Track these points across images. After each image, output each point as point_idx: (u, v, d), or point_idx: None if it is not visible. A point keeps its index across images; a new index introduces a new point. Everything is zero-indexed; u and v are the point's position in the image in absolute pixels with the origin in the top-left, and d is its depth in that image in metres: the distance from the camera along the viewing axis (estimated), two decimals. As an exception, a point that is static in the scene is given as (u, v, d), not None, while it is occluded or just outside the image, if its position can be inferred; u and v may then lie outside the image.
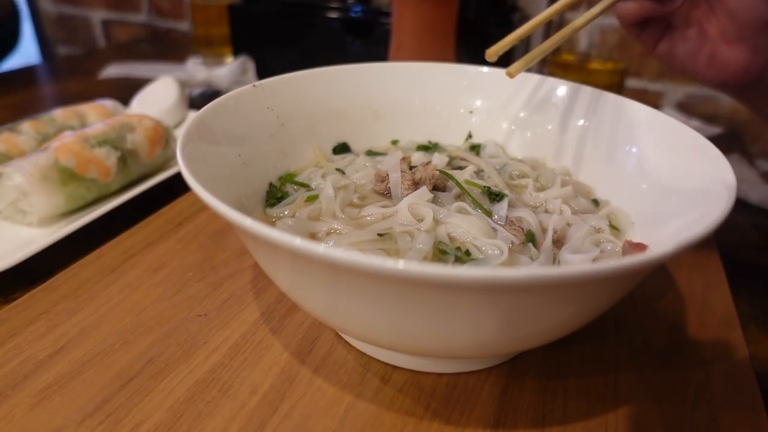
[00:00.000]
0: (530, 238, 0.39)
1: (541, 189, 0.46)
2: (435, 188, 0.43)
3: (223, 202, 0.28)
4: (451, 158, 0.48)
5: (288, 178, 0.46)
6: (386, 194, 0.43)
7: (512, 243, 0.38)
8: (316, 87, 0.50)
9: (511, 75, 0.44)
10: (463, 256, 0.36)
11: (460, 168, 0.46)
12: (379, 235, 0.37)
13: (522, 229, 0.39)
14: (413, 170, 0.44)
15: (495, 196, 0.41)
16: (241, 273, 0.46)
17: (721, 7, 0.41)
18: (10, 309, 0.41)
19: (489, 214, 0.40)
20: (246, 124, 0.44)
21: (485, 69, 0.54)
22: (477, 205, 0.41)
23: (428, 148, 0.52)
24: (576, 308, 0.30)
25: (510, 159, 0.50)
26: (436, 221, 0.39)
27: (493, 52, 0.45)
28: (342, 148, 0.52)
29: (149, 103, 0.73)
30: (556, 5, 0.46)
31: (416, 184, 0.42)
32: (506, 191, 0.42)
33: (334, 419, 0.33)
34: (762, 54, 0.40)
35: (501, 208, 0.41)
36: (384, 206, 0.41)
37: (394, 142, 0.54)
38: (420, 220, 0.39)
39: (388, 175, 0.43)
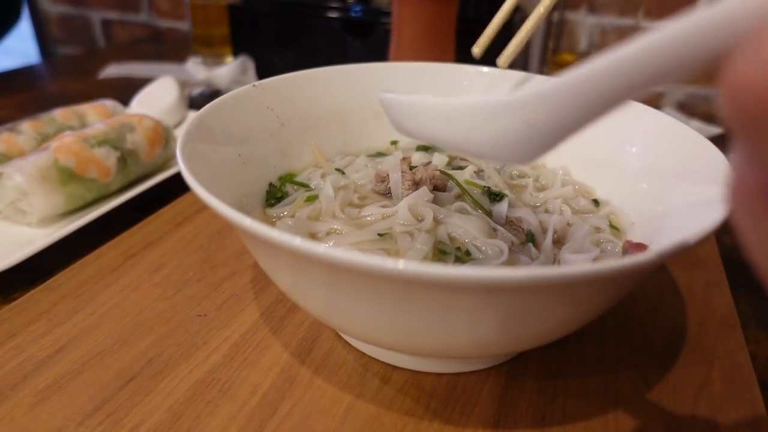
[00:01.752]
0: (530, 238, 0.39)
1: (541, 189, 0.46)
2: (435, 188, 0.43)
3: (222, 202, 0.28)
4: (451, 158, 0.48)
5: (288, 178, 0.46)
6: (386, 194, 0.43)
7: (512, 243, 0.38)
8: (316, 87, 0.50)
9: (501, 65, 0.47)
10: (464, 256, 0.36)
11: (460, 168, 0.46)
12: (379, 235, 0.37)
13: (522, 229, 0.39)
14: (413, 170, 0.44)
15: (495, 196, 0.41)
16: (241, 273, 0.46)
17: None
18: (10, 309, 0.41)
19: (489, 214, 0.40)
20: (246, 124, 0.44)
21: (485, 69, 0.54)
22: (477, 205, 0.41)
23: (428, 148, 0.52)
24: (576, 308, 0.30)
25: None
26: (437, 221, 0.39)
27: (480, 50, 0.47)
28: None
29: (149, 103, 0.73)
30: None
31: (416, 185, 0.42)
32: (506, 191, 0.42)
33: (334, 419, 0.33)
34: None
35: (501, 208, 0.41)
36: (384, 206, 0.41)
37: (394, 143, 0.54)
38: (420, 220, 0.39)
39: (388, 175, 0.43)
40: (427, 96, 0.28)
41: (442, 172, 0.43)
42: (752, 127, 0.13)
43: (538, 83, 0.30)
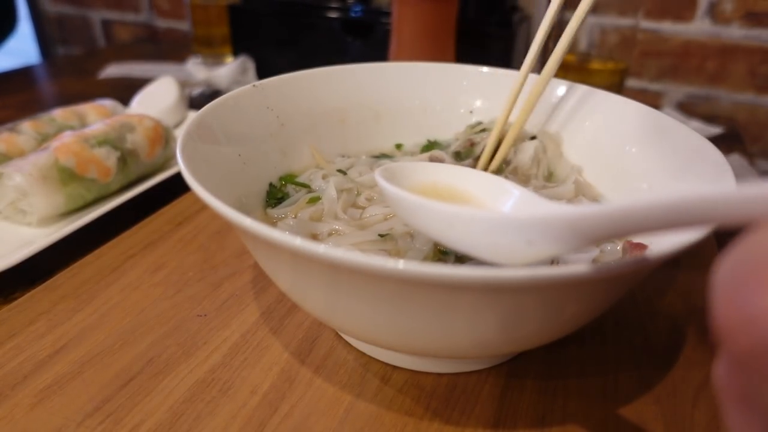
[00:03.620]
0: None
1: (548, 178, 0.46)
2: None
3: (222, 202, 0.28)
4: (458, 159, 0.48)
5: (288, 178, 0.46)
6: None
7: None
8: (316, 87, 0.50)
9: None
10: (464, 256, 0.36)
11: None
12: (381, 235, 0.37)
13: None
14: None
15: None
16: (241, 273, 0.46)
17: None
18: (10, 309, 0.41)
19: None
20: (246, 124, 0.44)
21: (485, 69, 0.54)
22: None
23: (430, 147, 0.52)
24: (576, 308, 0.30)
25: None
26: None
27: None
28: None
29: (149, 103, 0.73)
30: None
31: None
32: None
33: (334, 419, 0.33)
34: None
35: None
36: (387, 206, 0.41)
37: (399, 146, 0.54)
38: None
39: None
40: (428, 200, 0.28)
41: None
42: (744, 366, 0.14)
43: (542, 205, 0.30)
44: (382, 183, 0.30)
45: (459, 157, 0.49)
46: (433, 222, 0.28)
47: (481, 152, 0.48)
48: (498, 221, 0.25)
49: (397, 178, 0.32)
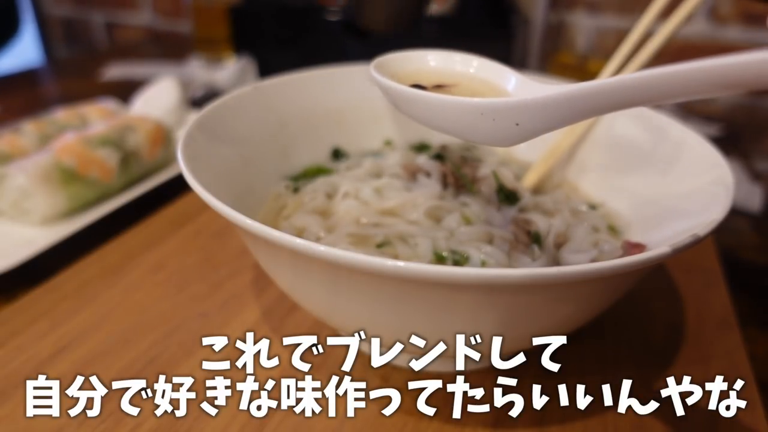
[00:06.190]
0: (535, 239, 0.39)
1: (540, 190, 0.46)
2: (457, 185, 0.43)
3: (223, 202, 0.28)
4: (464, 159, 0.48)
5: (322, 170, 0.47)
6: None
7: (511, 242, 0.38)
8: (316, 87, 0.50)
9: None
10: (462, 260, 0.36)
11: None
12: (378, 246, 0.37)
13: (529, 232, 0.39)
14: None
15: (506, 197, 0.42)
16: (241, 273, 0.46)
17: None
18: (12, 309, 0.41)
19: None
20: (247, 124, 0.44)
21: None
22: (482, 209, 0.40)
23: (421, 148, 0.52)
24: (575, 308, 0.30)
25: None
26: (437, 219, 0.39)
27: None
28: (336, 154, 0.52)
29: (151, 103, 0.73)
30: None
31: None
32: (524, 192, 0.43)
33: (334, 419, 0.33)
34: None
35: (509, 213, 0.41)
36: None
37: (388, 143, 0.54)
38: (437, 221, 0.39)
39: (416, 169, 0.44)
40: (423, 92, 0.29)
41: (461, 175, 0.43)
42: None
43: (527, 87, 0.32)
44: (380, 80, 0.32)
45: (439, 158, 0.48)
46: (428, 110, 0.29)
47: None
48: (490, 105, 0.27)
49: (390, 68, 0.34)
